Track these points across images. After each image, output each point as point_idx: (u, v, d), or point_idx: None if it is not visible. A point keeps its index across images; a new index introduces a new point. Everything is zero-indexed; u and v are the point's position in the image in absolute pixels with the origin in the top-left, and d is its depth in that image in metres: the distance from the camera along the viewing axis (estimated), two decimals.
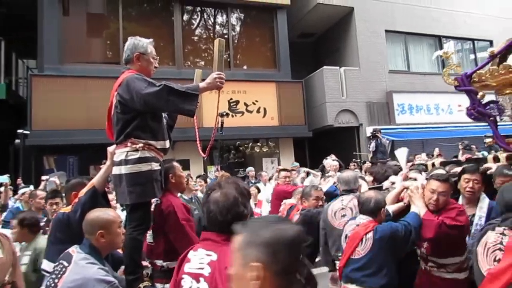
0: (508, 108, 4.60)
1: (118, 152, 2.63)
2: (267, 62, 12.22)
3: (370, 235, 2.81)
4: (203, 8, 11.67)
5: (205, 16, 11.83)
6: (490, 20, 14.48)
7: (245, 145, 12.10)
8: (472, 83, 4.51)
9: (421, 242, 3.04)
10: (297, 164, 8.82)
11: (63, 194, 3.56)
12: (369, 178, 4.58)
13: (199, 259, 1.63)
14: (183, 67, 10.83)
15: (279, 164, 10.71)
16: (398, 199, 3.28)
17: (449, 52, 5.00)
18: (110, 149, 2.73)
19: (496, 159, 4.04)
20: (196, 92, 2.60)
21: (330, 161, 7.70)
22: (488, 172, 3.49)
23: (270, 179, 7.90)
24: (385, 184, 3.77)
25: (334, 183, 5.15)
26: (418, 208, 2.95)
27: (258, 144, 12.10)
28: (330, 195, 4.64)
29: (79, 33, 10.27)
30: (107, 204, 2.67)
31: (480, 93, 4.49)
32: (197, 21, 11.79)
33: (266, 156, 11.98)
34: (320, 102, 12.34)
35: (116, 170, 2.63)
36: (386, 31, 13.38)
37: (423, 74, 13.59)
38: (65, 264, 2.09)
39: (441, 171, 3.52)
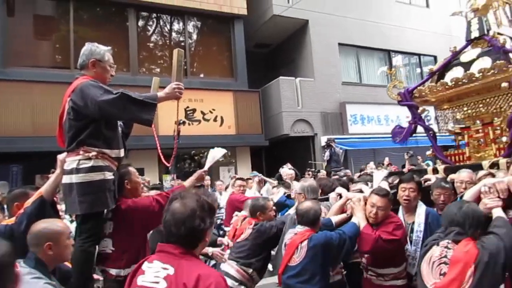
0: (448, 122, 4.94)
1: (69, 160, 2.51)
2: (224, 71, 12.24)
3: (305, 243, 2.88)
4: (159, 15, 11.48)
5: (161, 23, 11.65)
6: (434, 37, 15.46)
7: (202, 154, 11.97)
8: (413, 98, 4.83)
9: (362, 254, 3.20)
10: (256, 173, 8.86)
11: (5, 206, 3.32)
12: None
13: (154, 272, 1.54)
14: (138, 73, 10.57)
15: (236, 173, 10.69)
16: (342, 210, 3.38)
17: (393, 68, 5.31)
18: (60, 156, 2.60)
19: (435, 171, 4.31)
20: (155, 101, 2.57)
21: (287, 170, 7.79)
22: (427, 183, 3.71)
23: (226, 188, 7.85)
24: (331, 195, 3.85)
25: (285, 193, 5.20)
26: (359, 219, 3.06)
27: None
28: (281, 206, 4.66)
29: (25, 35, 9.70)
30: (56, 214, 2.53)
31: (421, 108, 4.80)
32: (153, 27, 11.58)
33: (223, 165, 11.91)
34: (277, 112, 12.52)
35: (66, 179, 2.51)
36: (339, 44, 13.85)
37: (374, 86, 14.19)
38: None
39: (384, 183, 3.67)
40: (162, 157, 3.05)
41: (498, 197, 2.36)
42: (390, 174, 4.67)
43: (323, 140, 12.33)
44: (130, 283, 1.63)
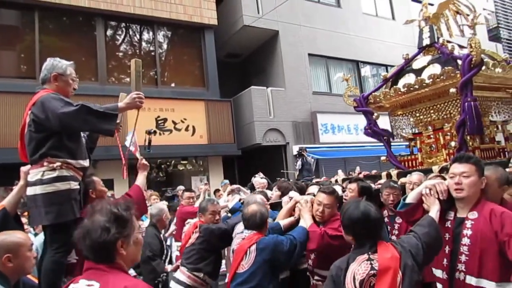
0: (403, 127, 5.11)
1: (33, 172, 2.50)
2: (196, 80, 12.22)
3: (254, 247, 2.80)
4: (128, 24, 11.36)
5: (131, 32, 11.54)
6: (400, 48, 15.96)
7: (173, 164, 11.86)
8: (368, 104, 4.99)
9: (308, 254, 3.15)
10: (227, 181, 8.85)
11: None
12: (277, 192, 4.64)
13: None
14: (106, 83, 10.39)
15: (208, 182, 10.62)
16: (290, 214, 3.35)
17: (348, 75, 5.49)
18: (24, 168, 2.59)
19: (388, 176, 4.45)
20: (115, 112, 2.63)
21: (259, 179, 7.82)
22: (377, 186, 3.83)
23: (197, 197, 7.79)
24: (284, 199, 3.82)
25: (240, 199, 5.22)
26: (305, 220, 3.03)
27: (187, 162, 11.94)
28: (236, 212, 4.67)
29: None
30: (20, 227, 2.50)
31: (375, 114, 4.96)
32: (122, 37, 11.44)
33: (195, 175, 11.85)
34: (249, 121, 12.58)
35: (30, 191, 2.48)
36: (309, 54, 14.11)
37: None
38: None
39: (337, 187, 3.73)
40: (124, 169, 3.04)
41: (438, 198, 2.35)
42: (344, 179, 4.81)
43: (295, 149, 12.45)
44: None
